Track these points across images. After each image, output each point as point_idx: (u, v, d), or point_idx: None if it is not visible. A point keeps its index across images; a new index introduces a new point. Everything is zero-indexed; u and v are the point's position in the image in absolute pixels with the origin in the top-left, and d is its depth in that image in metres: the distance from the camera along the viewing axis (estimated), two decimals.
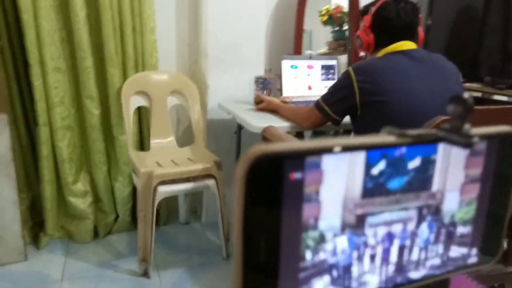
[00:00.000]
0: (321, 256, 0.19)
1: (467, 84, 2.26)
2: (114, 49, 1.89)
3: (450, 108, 0.19)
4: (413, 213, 0.21)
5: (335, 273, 0.19)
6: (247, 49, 2.13)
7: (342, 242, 0.19)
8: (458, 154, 0.20)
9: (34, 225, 2.03)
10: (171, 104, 2.10)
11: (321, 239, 0.18)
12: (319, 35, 2.76)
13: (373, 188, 0.19)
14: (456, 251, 0.22)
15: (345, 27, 2.63)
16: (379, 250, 0.20)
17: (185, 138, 2.26)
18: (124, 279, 1.75)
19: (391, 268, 0.21)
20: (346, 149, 0.17)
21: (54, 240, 2.02)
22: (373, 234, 0.20)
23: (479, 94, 2.23)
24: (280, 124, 1.62)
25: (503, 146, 0.21)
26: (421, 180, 0.20)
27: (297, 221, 0.17)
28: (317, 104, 1.47)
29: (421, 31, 1.45)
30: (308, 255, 0.18)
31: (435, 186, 0.20)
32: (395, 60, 1.35)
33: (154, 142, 2.06)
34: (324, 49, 2.75)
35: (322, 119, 1.47)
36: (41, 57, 1.78)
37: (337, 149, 0.17)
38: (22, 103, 1.91)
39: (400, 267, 0.21)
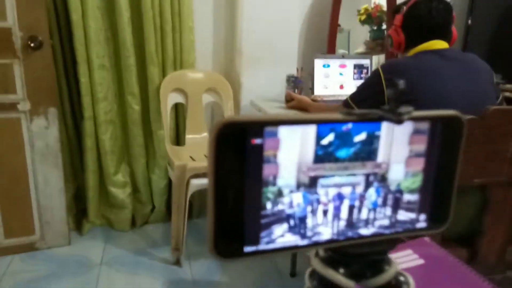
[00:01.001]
0: (280, 207, 0.23)
1: (509, 86, 2.19)
2: (155, 48, 1.99)
3: (388, 92, 0.23)
4: (360, 179, 0.24)
5: (292, 222, 0.24)
6: (280, 47, 2.17)
7: (298, 197, 0.23)
8: (402, 132, 0.24)
9: (78, 213, 2.18)
10: (206, 101, 2.18)
11: (279, 193, 0.23)
12: (357, 35, 2.75)
13: (324, 156, 0.23)
14: (404, 215, 0.26)
15: (384, 26, 2.61)
16: (330, 207, 0.24)
17: None
18: (157, 266, 1.85)
19: (343, 223, 0.25)
20: (299, 122, 0.22)
21: (95, 227, 2.16)
22: (325, 193, 0.24)
23: None
24: None
25: (447, 127, 0.25)
26: (367, 152, 0.24)
27: (259, 178, 0.22)
28: (345, 102, 1.49)
29: (454, 30, 1.44)
30: (269, 205, 0.23)
31: (380, 157, 0.24)
32: (426, 59, 1.34)
33: (189, 137, 2.15)
34: (361, 48, 2.74)
35: None
36: (88, 55, 1.92)
37: (290, 122, 0.21)
38: (70, 98, 2.06)
39: (351, 223, 0.25)
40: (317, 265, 0.27)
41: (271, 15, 2.12)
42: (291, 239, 0.24)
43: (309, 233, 0.24)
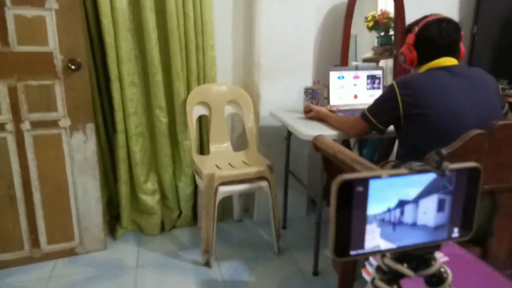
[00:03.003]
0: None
1: None
2: (180, 65, 2.15)
3: (432, 156, 0.37)
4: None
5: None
6: (296, 61, 2.32)
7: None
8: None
9: (111, 219, 2.33)
10: (227, 113, 2.33)
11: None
12: (364, 39, 2.85)
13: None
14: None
15: (391, 32, 2.72)
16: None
17: (240, 143, 2.49)
18: (189, 268, 2.00)
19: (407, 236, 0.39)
20: (375, 177, 0.36)
21: (127, 232, 2.31)
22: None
23: None
24: (327, 132, 1.78)
25: (470, 174, 0.39)
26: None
27: (361, 213, 0.36)
28: (363, 114, 1.63)
29: (462, 47, 1.57)
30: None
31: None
32: (437, 75, 1.47)
33: (213, 146, 2.30)
34: (369, 54, 2.85)
35: (367, 128, 1.63)
36: (120, 73, 2.07)
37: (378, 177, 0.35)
38: (102, 113, 2.21)
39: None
40: (390, 262, 0.41)
41: (287, 32, 2.26)
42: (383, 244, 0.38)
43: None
